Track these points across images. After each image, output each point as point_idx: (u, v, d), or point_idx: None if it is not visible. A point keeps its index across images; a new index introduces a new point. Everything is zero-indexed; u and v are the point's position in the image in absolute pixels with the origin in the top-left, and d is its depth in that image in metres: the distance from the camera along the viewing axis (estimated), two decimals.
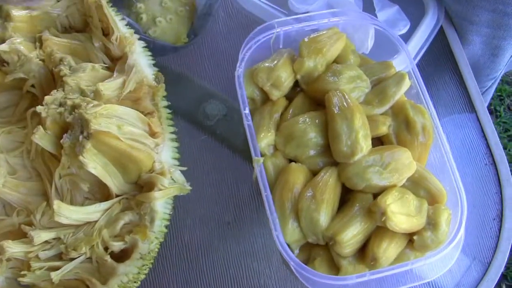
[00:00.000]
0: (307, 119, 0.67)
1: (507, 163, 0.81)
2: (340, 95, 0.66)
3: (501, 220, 0.78)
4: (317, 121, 0.67)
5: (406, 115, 0.68)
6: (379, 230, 0.62)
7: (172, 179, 0.70)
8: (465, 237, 0.68)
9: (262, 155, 0.67)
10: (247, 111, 0.68)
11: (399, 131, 0.68)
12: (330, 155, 0.66)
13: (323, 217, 0.62)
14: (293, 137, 0.66)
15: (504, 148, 1.65)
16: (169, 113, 0.76)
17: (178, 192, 0.70)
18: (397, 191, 0.63)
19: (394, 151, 0.64)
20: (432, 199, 0.66)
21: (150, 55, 0.79)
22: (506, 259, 0.75)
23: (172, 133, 0.75)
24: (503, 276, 1.53)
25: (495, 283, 0.75)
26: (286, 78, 0.70)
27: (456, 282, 0.74)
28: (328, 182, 0.64)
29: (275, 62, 0.70)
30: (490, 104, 1.76)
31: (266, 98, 0.72)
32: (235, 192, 0.78)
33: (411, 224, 0.62)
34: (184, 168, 0.73)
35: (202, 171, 0.79)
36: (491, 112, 1.77)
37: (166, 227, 0.69)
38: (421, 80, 0.71)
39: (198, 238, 0.75)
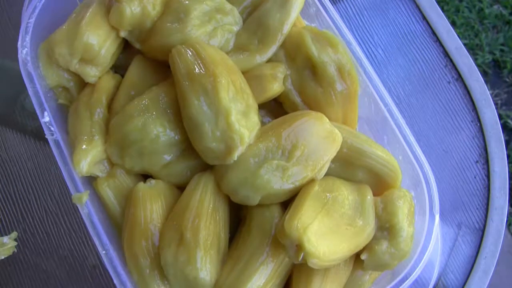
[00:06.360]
0: (146, 104, 0.39)
1: (481, 77, 0.55)
2: (188, 52, 0.38)
3: (487, 161, 0.53)
4: (162, 103, 0.39)
5: (307, 55, 0.41)
6: (301, 265, 0.37)
7: None
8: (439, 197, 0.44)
9: (93, 180, 0.41)
10: (46, 118, 0.40)
11: (303, 83, 0.41)
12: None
13: (205, 271, 0.36)
14: (129, 142, 0.39)
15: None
16: None
17: None
18: (316, 193, 0.37)
19: (298, 123, 0.38)
20: (379, 182, 0.40)
21: None
22: (506, 215, 0.51)
23: None
24: None
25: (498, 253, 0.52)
26: (101, 43, 0.41)
27: (442, 266, 0.51)
28: (202, 204, 0.37)
29: (78, 21, 0.42)
30: None
31: (85, 82, 0.44)
32: None
33: (353, 243, 0.36)
34: None
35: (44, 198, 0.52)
36: None
37: None
38: None
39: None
